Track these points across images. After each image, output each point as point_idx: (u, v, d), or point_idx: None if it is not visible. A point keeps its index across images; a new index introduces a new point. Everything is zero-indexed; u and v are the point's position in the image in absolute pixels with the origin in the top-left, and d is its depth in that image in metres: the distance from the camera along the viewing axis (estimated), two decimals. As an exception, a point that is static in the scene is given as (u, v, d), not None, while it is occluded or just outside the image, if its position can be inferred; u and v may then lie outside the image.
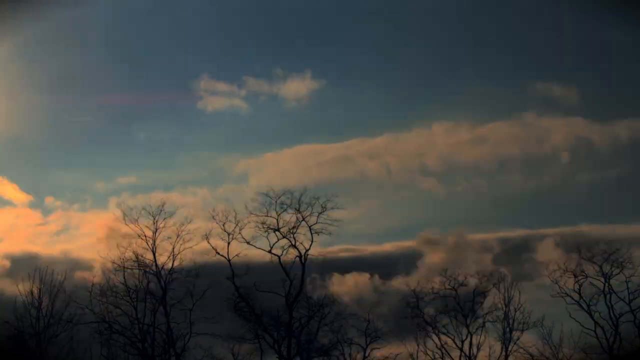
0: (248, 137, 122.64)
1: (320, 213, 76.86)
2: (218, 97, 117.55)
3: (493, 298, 77.22)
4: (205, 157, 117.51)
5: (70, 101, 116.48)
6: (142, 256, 76.85)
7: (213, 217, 77.32)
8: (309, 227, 77.03)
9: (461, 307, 77.10)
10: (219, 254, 76.24)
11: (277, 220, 77.27)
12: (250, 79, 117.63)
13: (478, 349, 76.56)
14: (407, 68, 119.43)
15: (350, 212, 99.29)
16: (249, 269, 76.55)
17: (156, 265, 76.66)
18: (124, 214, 78.01)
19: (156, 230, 77.38)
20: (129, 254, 76.65)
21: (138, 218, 78.05)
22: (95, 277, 77.16)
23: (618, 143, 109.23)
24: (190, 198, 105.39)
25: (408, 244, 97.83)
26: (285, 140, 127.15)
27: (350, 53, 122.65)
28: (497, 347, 76.00)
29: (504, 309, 76.48)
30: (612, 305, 72.60)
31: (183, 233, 77.28)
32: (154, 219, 77.79)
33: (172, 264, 76.50)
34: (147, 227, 77.80)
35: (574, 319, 73.26)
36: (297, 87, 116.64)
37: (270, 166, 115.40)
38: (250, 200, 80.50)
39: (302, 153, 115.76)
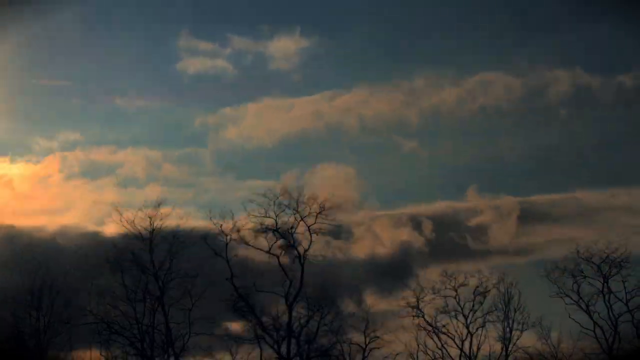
0: (208, 92, 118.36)
1: (318, 213, 76.85)
2: (200, 58, 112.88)
3: (493, 298, 77.09)
4: (158, 111, 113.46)
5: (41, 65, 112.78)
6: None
7: (210, 218, 77.50)
8: (308, 227, 77.01)
9: (461, 307, 76.97)
10: (217, 254, 76.07)
11: (276, 220, 77.27)
12: (234, 37, 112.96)
13: (478, 349, 76.47)
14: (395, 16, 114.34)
15: (317, 179, 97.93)
16: (248, 269, 76.56)
17: (153, 265, 76.43)
18: (120, 214, 78.02)
19: (152, 230, 77.31)
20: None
21: (134, 219, 77.99)
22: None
23: (621, 98, 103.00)
24: (141, 157, 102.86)
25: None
26: (248, 95, 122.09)
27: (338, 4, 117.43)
28: (497, 347, 75.96)
29: (504, 309, 76.22)
30: (611, 305, 72.45)
31: (180, 233, 77.33)
32: (150, 220, 77.87)
33: (170, 264, 76.38)
34: (143, 227, 77.75)
35: (573, 319, 73.29)
36: (285, 45, 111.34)
37: (230, 122, 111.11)
38: (208, 162, 79.29)
39: (265, 108, 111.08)
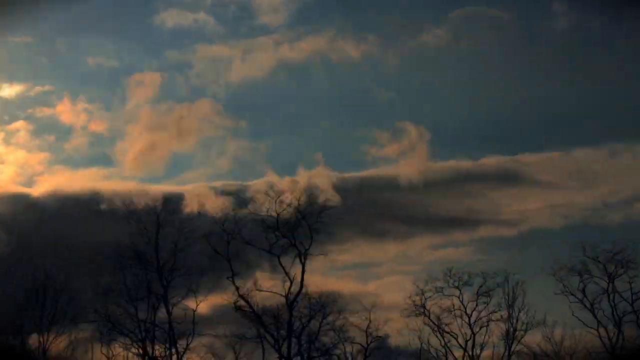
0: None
1: (320, 212, 76.52)
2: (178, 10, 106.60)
3: (497, 298, 76.42)
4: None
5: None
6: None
7: (213, 216, 77.55)
8: (309, 226, 76.61)
9: (465, 306, 76.35)
10: (218, 253, 76.00)
11: (277, 219, 76.91)
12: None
13: (482, 349, 75.92)
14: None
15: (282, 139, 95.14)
16: (249, 267, 76.62)
17: (158, 263, 76.46)
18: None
19: (158, 227, 77.30)
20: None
21: (141, 215, 77.94)
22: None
23: (620, 45, 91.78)
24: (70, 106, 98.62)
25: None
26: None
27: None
28: (501, 346, 75.37)
29: (508, 309, 75.60)
30: (615, 305, 71.68)
31: (185, 231, 77.31)
32: (157, 216, 77.85)
33: (174, 262, 76.37)
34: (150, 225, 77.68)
35: (577, 317, 72.57)
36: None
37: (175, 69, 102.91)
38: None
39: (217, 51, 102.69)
